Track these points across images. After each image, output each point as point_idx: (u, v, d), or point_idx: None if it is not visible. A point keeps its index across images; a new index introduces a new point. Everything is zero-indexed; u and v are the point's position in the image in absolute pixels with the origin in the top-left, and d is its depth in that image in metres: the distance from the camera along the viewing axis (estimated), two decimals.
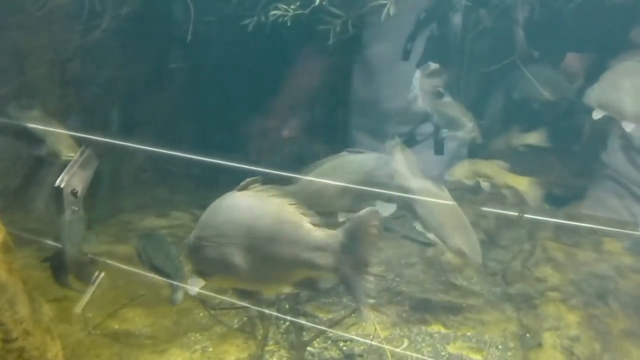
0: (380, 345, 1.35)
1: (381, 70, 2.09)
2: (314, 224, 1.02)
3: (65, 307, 1.29)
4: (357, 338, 1.39)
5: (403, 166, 1.42)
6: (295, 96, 2.06)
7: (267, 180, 1.04)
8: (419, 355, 1.38)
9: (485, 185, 1.64)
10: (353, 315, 1.53)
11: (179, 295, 1.48)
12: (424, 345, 1.43)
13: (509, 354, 1.44)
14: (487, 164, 1.64)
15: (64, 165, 1.12)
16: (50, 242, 1.20)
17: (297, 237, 0.99)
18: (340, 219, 1.46)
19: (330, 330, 1.43)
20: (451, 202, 1.37)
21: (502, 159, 1.73)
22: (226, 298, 1.35)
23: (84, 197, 1.20)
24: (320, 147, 2.05)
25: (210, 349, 1.38)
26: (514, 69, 1.88)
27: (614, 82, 1.43)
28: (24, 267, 1.07)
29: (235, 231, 0.99)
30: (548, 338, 1.46)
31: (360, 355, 1.40)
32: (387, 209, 1.27)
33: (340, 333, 1.44)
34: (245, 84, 2.00)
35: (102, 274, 1.19)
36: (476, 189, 1.70)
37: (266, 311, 1.16)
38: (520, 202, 1.56)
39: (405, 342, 1.42)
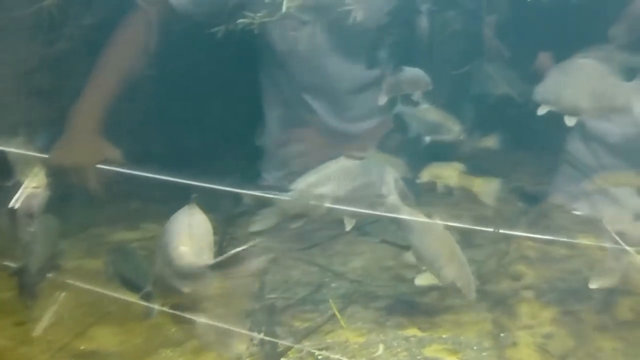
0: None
1: (346, 76, 2.09)
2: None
3: (30, 330, 1.26)
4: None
5: (394, 193, 1.42)
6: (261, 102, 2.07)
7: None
8: None
9: (440, 186, 1.67)
10: (329, 322, 1.54)
11: (154, 309, 1.45)
12: (399, 350, 1.43)
13: (484, 354, 1.45)
14: (445, 166, 1.66)
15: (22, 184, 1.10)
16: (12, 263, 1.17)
17: (170, 257, 1.02)
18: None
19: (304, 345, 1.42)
20: (444, 232, 1.35)
21: (472, 160, 1.76)
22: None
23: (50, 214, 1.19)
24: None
25: None
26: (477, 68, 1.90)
27: (556, 78, 1.49)
28: None
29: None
30: (522, 336, 1.48)
31: None
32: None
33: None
34: (214, 91, 2.00)
35: (63, 294, 1.16)
36: (449, 192, 1.72)
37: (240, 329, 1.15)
38: (474, 201, 1.61)
39: (381, 348, 1.42)
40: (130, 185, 1.79)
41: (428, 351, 1.43)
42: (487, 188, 1.61)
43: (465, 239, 1.96)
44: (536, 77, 1.65)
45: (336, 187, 1.43)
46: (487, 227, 2.02)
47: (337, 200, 1.44)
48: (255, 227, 1.44)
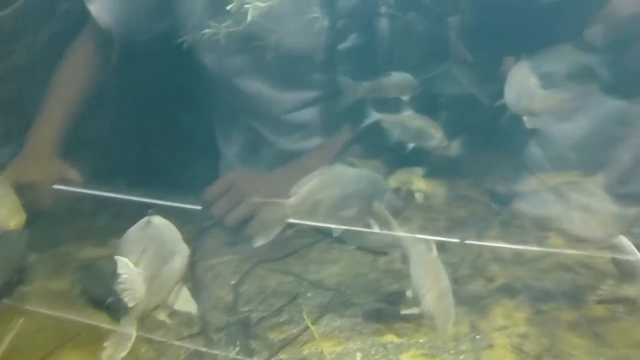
0: None
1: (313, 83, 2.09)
2: None
3: None
4: None
5: (391, 219, 1.42)
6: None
7: None
8: None
9: (401, 190, 1.69)
10: (306, 332, 1.52)
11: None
12: (377, 357, 1.42)
13: (461, 357, 1.45)
14: (407, 171, 1.69)
15: None
16: None
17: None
18: (335, 233, 1.44)
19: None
20: (433, 258, 1.34)
21: (443, 164, 1.78)
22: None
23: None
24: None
25: None
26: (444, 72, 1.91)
27: (511, 81, 1.53)
28: None
29: None
30: (498, 338, 1.48)
31: None
32: (257, 241, 1.21)
33: None
34: (179, 104, 1.97)
35: (21, 320, 1.12)
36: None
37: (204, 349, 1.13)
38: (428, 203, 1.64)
39: (358, 357, 1.41)
40: (97, 201, 1.75)
41: (405, 357, 1.43)
42: (438, 190, 1.64)
43: (441, 242, 1.97)
44: (502, 79, 1.67)
45: (332, 193, 1.41)
46: (461, 229, 2.05)
47: (331, 207, 1.41)
48: (258, 242, 1.39)
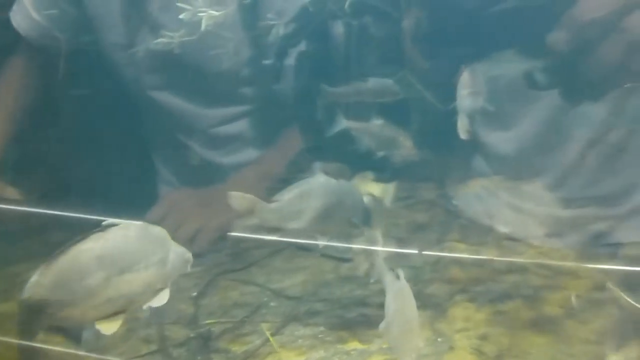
0: None
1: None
2: None
3: None
4: None
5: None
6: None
7: None
8: None
9: None
10: (268, 344, 1.51)
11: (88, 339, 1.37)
12: None
13: None
14: (360, 176, 1.72)
15: None
16: None
17: None
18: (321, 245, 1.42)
19: None
20: (405, 288, 1.33)
21: (402, 169, 1.80)
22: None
23: None
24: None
25: None
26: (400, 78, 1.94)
27: (461, 85, 1.58)
28: None
29: None
30: (459, 340, 1.51)
31: None
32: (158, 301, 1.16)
33: None
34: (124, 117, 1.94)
35: None
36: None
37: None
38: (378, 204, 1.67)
39: None
40: (49, 218, 1.69)
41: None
42: (385, 193, 1.67)
43: (402, 245, 1.99)
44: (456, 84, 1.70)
45: (315, 203, 1.40)
46: (422, 233, 2.07)
47: (312, 218, 1.40)
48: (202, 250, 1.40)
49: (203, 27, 1.59)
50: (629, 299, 1.22)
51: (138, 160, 2.15)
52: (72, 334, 1.41)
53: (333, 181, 1.49)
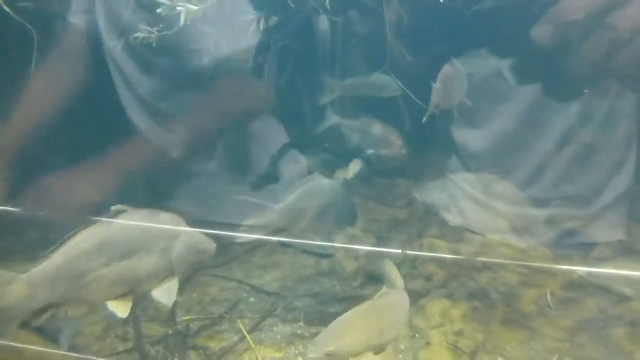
0: None
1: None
2: None
3: None
4: None
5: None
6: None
7: None
8: None
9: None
10: (246, 339, 1.51)
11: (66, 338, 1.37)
12: None
13: (400, 356, 1.48)
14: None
15: None
16: None
17: None
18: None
19: None
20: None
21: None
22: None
23: None
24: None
25: None
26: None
27: (439, 81, 1.59)
28: None
29: None
30: (435, 336, 1.53)
31: None
32: (167, 297, 1.17)
33: None
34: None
35: None
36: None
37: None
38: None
39: None
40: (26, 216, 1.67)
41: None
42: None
43: (381, 243, 2.00)
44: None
45: (315, 203, 1.49)
46: (402, 230, 2.08)
47: (313, 215, 1.48)
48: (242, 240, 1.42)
49: (182, 22, 1.57)
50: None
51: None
52: (50, 334, 1.40)
53: (328, 181, 1.57)
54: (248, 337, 1.49)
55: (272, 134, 2.12)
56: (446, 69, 1.58)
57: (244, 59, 1.99)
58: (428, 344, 1.50)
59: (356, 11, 1.97)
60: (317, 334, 1.52)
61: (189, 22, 1.59)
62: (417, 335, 1.54)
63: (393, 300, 1.21)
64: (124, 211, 1.10)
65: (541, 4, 1.47)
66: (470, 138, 1.95)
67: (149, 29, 1.61)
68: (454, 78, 1.58)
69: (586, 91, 1.60)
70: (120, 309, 1.08)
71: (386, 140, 1.82)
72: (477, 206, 1.39)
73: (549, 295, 1.62)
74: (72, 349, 1.40)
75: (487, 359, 1.46)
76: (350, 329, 1.13)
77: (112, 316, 1.19)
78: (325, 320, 1.59)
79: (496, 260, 1.67)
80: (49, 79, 1.76)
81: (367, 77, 1.87)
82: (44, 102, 1.74)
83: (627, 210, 1.74)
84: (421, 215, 2.01)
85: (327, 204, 1.50)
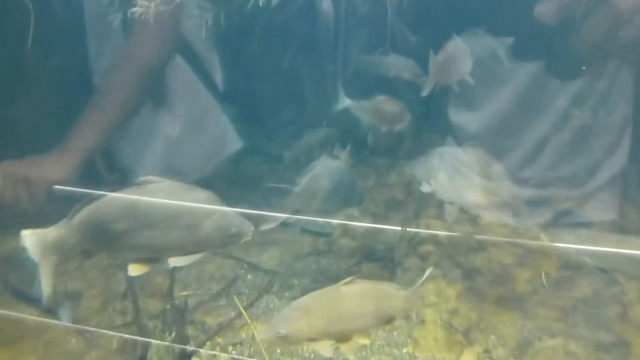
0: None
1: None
2: None
3: None
4: None
5: None
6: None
7: None
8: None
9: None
10: (242, 316, 1.53)
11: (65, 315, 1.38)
12: None
13: (395, 333, 1.50)
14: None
15: None
16: None
17: None
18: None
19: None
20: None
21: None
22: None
23: None
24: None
25: None
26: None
27: (441, 55, 1.58)
28: None
29: None
30: (429, 314, 1.55)
31: (251, 357, 1.40)
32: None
33: None
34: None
35: None
36: None
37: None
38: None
39: None
40: None
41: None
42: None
43: (379, 221, 2.02)
44: None
45: (325, 184, 1.52)
46: (400, 210, 2.09)
47: (326, 195, 1.51)
48: (265, 226, 1.43)
49: None
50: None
51: None
52: (49, 309, 1.41)
53: (336, 162, 1.58)
54: (244, 313, 1.50)
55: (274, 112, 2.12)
56: (448, 44, 1.57)
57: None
58: (422, 321, 1.52)
59: None
60: None
61: None
62: (411, 314, 1.56)
63: (363, 290, 1.14)
64: (153, 181, 1.09)
65: None
66: (465, 117, 1.95)
67: (146, 2, 1.59)
68: (455, 54, 1.57)
69: (584, 68, 1.59)
70: (136, 271, 1.09)
71: (398, 115, 1.83)
72: (450, 176, 1.41)
73: (543, 276, 1.64)
74: (72, 321, 1.42)
75: (480, 337, 1.48)
76: (306, 312, 1.08)
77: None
78: None
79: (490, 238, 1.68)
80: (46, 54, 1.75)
81: (384, 56, 1.86)
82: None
83: (619, 191, 1.76)
84: (419, 195, 2.02)
85: (337, 185, 1.53)
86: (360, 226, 1.89)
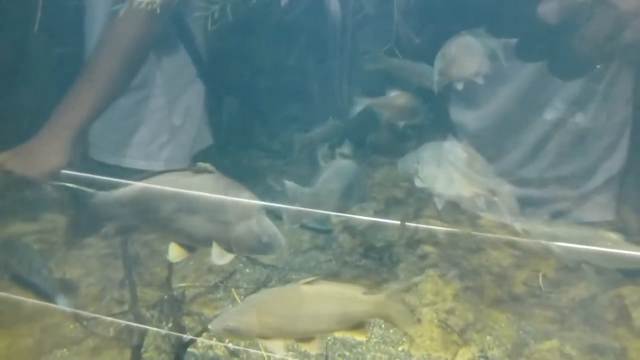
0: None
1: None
2: None
3: None
4: None
5: None
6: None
7: None
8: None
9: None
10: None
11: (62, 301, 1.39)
12: None
13: (391, 331, 1.51)
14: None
15: None
16: None
17: None
18: None
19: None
20: None
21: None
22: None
23: None
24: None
25: None
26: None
27: (444, 52, 1.58)
28: None
29: None
30: (426, 313, 1.55)
31: (247, 350, 1.40)
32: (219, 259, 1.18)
33: None
34: None
35: None
36: None
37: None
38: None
39: None
40: None
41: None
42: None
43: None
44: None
45: (339, 184, 1.54)
46: (399, 208, 2.10)
47: (340, 195, 1.52)
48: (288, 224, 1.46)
49: None
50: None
51: None
52: (47, 294, 1.41)
53: (348, 162, 1.62)
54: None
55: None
56: (455, 40, 1.58)
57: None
58: (419, 320, 1.52)
59: None
60: None
61: None
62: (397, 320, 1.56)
63: (324, 291, 1.08)
64: (208, 170, 1.10)
65: None
66: (465, 116, 1.96)
67: None
68: (462, 50, 1.57)
69: (598, 67, 1.59)
70: (174, 254, 1.11)
71: (414, 110, 1.84)
72: (435, 169, 1.42)
73: (540, 277, 1.65)
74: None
75: (476, 338, 1.48)
76: (259, 309, 1.04)
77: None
78: None
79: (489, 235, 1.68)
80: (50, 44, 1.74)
81: (415, 64, 1.88)
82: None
83: (615, 191, 1.76)
84: (418, 194, 2.02)
85: (350, 184, 1.55)
86: (360, 223, 1.89)
